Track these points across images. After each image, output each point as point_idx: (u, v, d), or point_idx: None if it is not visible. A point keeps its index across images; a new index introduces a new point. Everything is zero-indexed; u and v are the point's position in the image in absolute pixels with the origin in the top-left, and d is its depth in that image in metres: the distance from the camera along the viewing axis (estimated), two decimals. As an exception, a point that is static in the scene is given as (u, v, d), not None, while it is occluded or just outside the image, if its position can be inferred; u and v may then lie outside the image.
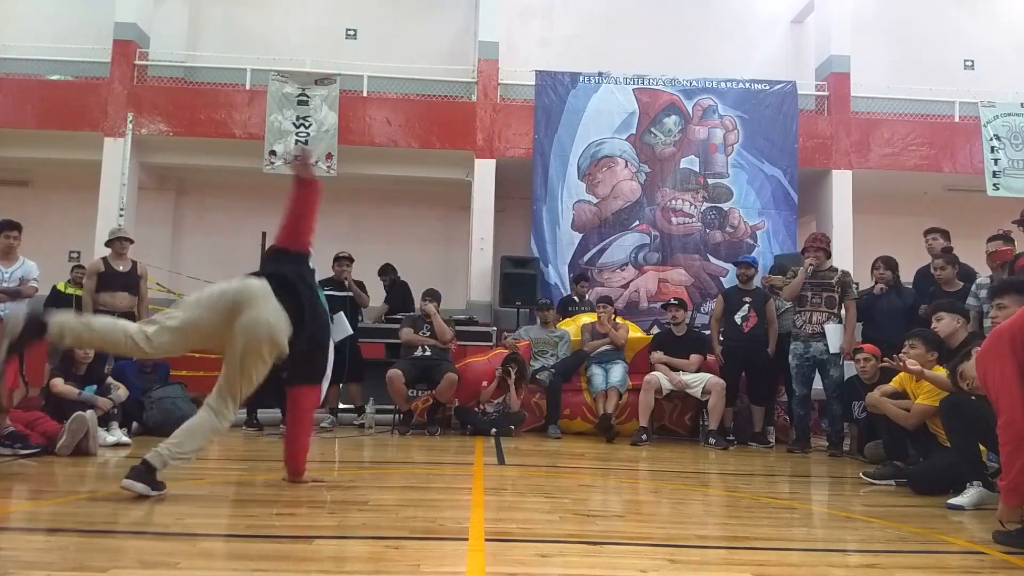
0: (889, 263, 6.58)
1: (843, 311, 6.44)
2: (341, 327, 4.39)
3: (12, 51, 10.52)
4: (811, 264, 6.48)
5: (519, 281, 9.42)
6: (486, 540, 2.74)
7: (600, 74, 10.66)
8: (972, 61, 12.33)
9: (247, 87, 10.64)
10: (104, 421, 5.31)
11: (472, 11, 11.72)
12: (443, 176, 10.96)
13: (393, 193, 11.47)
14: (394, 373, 6.70)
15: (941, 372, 4.48)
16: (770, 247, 10.31)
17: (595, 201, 10.42)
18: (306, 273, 3.76)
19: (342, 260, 7.68)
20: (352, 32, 12.06)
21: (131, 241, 7.05)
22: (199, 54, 11.58)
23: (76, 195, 10.72)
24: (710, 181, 10.56)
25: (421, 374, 6.92)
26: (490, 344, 8.26)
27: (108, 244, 6.98)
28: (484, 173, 10.50)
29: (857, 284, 6.99)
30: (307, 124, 10.11)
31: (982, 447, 3.93)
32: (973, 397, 3.83)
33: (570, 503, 3.65)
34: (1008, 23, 12.52)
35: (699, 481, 4.80)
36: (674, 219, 10.46)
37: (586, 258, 10.28)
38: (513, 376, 6.96)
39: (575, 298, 8.86)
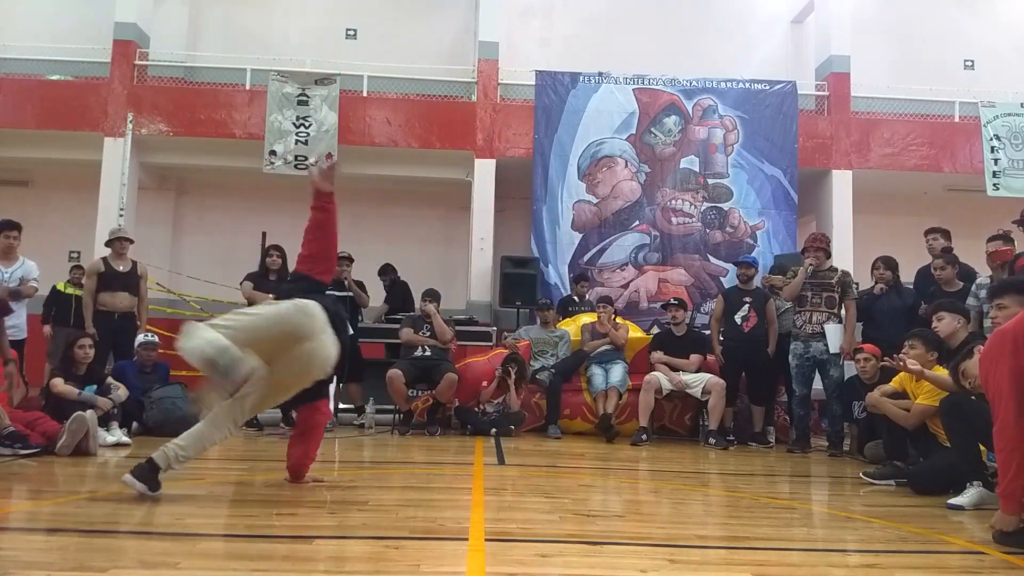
0: (889, 263, 6.58)
1: (843, 311, 6.45)
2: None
3: (12, 51, 10.50)
4: (811, 264, 6.48)
5: (519, 281, 9.41)
6: (486, 540, 2.74)
7: (600, 74, 10.64)
8: (972, 61, 12.31)
9: (247, 87, 10.62)
10: (104, 421, 5.32)
11: (472, 11, 11.71)
12: (443, 176, 10.95)
13: (393, 193, 11.46)
14: (394, 373, 6.70)
15: (941, 372, 4.48)
16: (770, 247, 10.30)
17: (595, 201, 10.41)
18: (332, 305, 3.68)
19: (342, 260, 7.64)
20: (352, 32, 12.04)
21: (131, 241, 7.06)
22: (199, 54, 11.56)
23: (76, 195, 10.71)
24: (710, 181, 10.55)
25: (421, 374, 6.93)
26: (490, 344, 8.26)
27: (108, 244, 6.99)
28: (484, 173, 10.49)
29: (857, 284, 6.99)
30: (307, 124, 10.10)
31: (982, 447, 3.92)
32: (974, 396, 3.83)
33: (570, 503, 3.65)
34: (1008, 23, 12.50)
35: (699, 481, 4.80)
36: (674, 219, 10.45)
37: (586, 258, 10.27)
38: (513, 376, 6.96)
39: (575, 298, 8.86)
